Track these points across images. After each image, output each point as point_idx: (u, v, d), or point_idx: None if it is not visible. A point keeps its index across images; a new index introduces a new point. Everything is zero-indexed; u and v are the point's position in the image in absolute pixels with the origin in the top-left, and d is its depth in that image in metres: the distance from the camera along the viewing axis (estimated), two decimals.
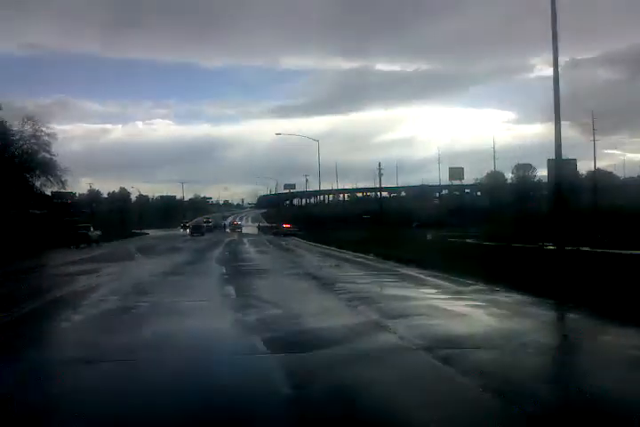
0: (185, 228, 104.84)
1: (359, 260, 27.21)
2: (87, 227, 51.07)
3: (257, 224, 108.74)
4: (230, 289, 14.79)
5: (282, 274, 19.42)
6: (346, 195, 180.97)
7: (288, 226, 74.18)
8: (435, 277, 17.56)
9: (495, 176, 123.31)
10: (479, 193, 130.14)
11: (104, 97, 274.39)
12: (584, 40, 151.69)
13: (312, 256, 30.66)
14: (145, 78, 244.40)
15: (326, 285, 15.84)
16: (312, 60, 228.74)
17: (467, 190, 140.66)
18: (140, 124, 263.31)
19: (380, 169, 77.71)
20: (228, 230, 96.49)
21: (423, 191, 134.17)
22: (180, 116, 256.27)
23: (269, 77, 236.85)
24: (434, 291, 14.20)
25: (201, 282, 17.17)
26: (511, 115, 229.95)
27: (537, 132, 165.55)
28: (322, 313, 10.88)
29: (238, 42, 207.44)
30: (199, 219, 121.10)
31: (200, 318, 10.78)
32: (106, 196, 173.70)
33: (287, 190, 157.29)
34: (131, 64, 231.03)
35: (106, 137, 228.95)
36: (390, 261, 25.25)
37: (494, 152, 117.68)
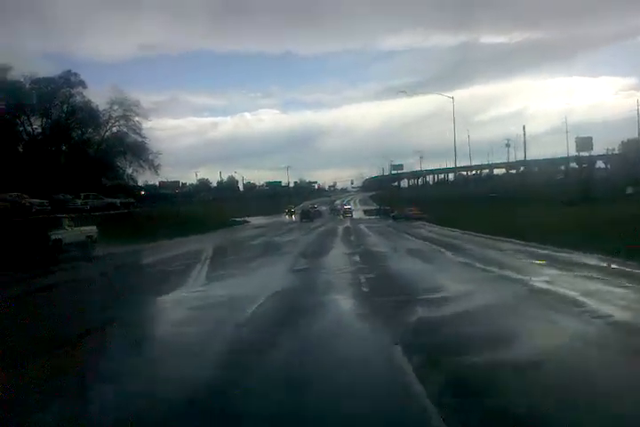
0: (290, 214, 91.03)
1: None
2: (55, 222, 23.01)
3: (368, 208, 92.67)
4: None
5: None
6: (451, 175, 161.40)
7: (412, 209, 57.61)
8: None
9: (634, 144, 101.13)
10: (609, 165, 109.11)
11: (212, 90, 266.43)
12: None
13: (545, 274, 14.05)
14: (249, 69, 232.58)
15: None
16: (412, 37, 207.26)
17: (600, 162, 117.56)
18: (247, 114, 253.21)
19: (525, 137, 59.31)
20: (340, 217, 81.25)
21: (548, 165, 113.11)
22: (284, 105, 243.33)
23: (370, 59, 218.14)
24: None
25: None
26: (632, 81, 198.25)
27: None
28: None
29: (336, 26, 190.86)
30: (305, 204, 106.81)
31: None
32: (215, 184, 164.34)
33: (395, 171, 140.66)
34: (234, 56, 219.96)
35: (216, 129, 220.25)
36: None
37: (638, 117, 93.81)
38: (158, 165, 61.88)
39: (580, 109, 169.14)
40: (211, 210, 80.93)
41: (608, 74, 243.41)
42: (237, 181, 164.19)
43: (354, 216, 78.38)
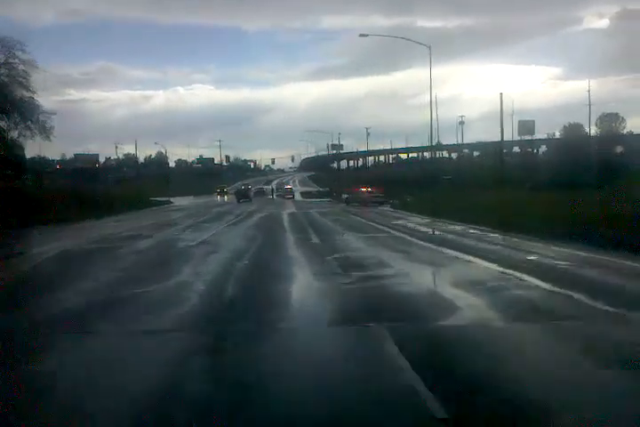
0: (222, 194, 77.57)
1: None
2: None
3: (310, 189, 79.47)
4: None
5: None
6: (390, 156, 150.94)
7: (367, 190, 44.85)
8: None
9: (575, 129, 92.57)
10: (545, 149, 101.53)
11: (145, 63, 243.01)
12: None
13: None
14: (185, 43, 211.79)
15: None
16: (351, 18, 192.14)
17: (544, 147, 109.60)
18: (180, 89, 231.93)
19: (502, 111, 47.26)
20: (275, 196, 67.96)
21: (490, 149, 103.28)
22: (220, 81, 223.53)
23: (309, 39, 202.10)
24: None
25: None
26: (558, 70, 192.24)
27: (586, 87, 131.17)
28: None
29: (277, 3, 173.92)
30: (238, 184, 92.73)
31: None
32: (142, 160, 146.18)
33: (335, 151, 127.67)
34: (170, 29, 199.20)
35: (148, 103, 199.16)
36: None
37: (590, 102, 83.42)
38: (51, 127, 45.79)
39: (513, 96, 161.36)
40: (129, 188, 65.75)
41: (538, 63, 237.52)
42: (167, 158, 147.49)
43: (296, 197, 65.21)
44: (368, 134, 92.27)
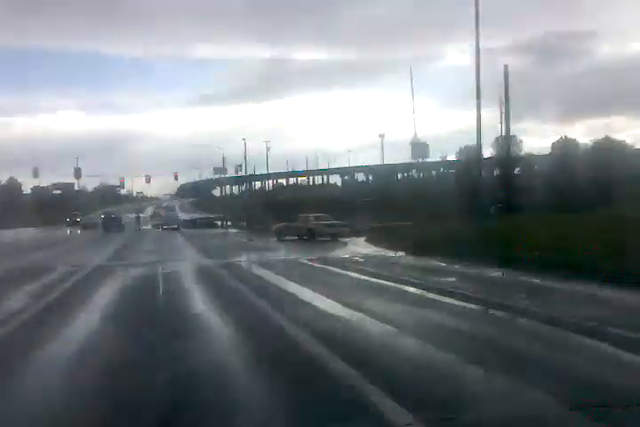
0: (73, 224, 55.64)
1: None
2: None
3: (197, 216, 57.67)
4: None
5: None
6: (270, 182, 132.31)
7: (314, 216, 25.36)
8: None
9: (472, 151, 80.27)
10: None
11: (5, 88, 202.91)
12: (496, 28, 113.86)
13: None
14: (51, 68, 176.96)
15: None
16: (226, 48, 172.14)
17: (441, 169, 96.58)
18: (45, 115, 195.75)
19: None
20: (143, 228, 46.12)
21: (386, 172, 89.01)
22: (88, 107, 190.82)
23: (182, 66, 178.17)
24: None
25: None
26: (429, 102, 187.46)
27: (456, 119, 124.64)
28: None
29: (149, 29, 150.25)
30: (100, 212, 69.20)
31: None
32: None
33: (217, 176, 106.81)
34: (35, 52, 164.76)
35: (7, 130, 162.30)
36: None
37: (502, 121, 70.01)
38: None
39: (386, 126, 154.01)
40: None
41: (408, 94, 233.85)
42: (21, 184, 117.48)
43: (182, 229, 43.67)
44: (268, 149, 72.67)
